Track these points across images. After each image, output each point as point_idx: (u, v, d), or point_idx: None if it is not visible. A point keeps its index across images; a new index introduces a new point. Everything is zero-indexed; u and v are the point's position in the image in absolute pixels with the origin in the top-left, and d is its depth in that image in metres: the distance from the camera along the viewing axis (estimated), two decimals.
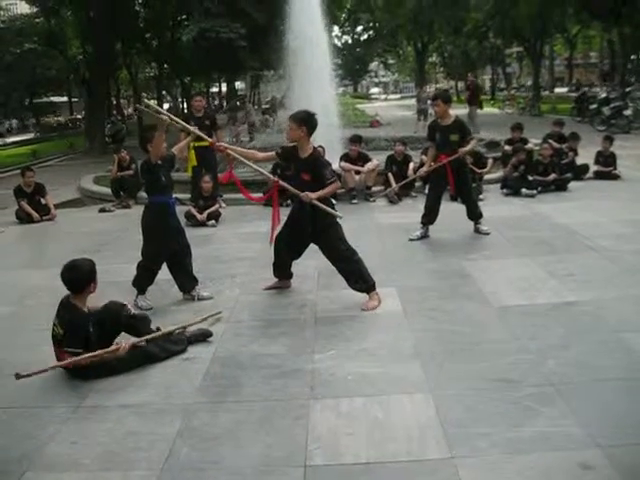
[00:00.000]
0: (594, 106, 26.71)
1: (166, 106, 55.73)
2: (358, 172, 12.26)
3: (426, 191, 9.99)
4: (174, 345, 5.53)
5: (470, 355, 5.22)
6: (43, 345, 5.41)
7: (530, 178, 12.14)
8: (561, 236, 8.88)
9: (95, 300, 5.48)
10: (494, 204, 11.17)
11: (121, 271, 7.64)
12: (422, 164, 10.48)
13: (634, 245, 8.14)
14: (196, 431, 4.29)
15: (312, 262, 7.41)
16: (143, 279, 6.81)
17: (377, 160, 12.64)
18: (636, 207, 10.44)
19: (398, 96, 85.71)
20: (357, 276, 6.53)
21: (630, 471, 3.65)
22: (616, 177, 13.18)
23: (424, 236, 9.13)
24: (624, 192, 11.89)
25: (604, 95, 27.84)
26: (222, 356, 5.48)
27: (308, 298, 6.86)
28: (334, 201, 6.98)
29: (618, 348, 5.17)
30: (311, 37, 16.37)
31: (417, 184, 12.13)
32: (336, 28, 66.48)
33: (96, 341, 5.18)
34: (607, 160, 13.50)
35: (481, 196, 11.35)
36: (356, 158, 12.38)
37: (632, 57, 39.77)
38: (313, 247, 6.77)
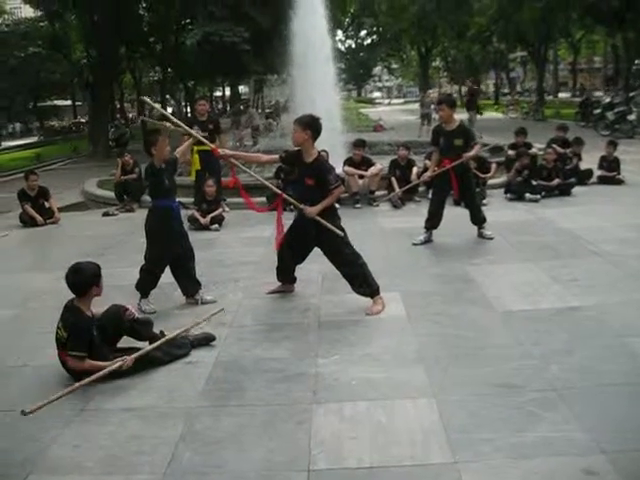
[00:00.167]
0: (598, 111, 26.70)
1: (169, 110, 55.86)
2: (362, 176, 12.27)
3: (429, 196, 9.99)
4: (177, 349, 5.52)
5: (474, 360, 5.21)
6: (47, 348, 5.42)
7: (534, 183, 12.13)
8: (565, 241, 8.87)
9: (98, 304, 5.48)
10: (498, 209, 11.16)
11: (124, 275, 7.65)
12: (426, 169, 10.48)
13: (638, 250, 8.13)
14: (199, 435, 4.29)
15: (316, 266, 7.41)
16: (146, 283, 6.81)
17: (381, 164, 12.64)
18: None
19: (402, 100, 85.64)
20: (361, 280, 6.52)
21: (634, 477, 3.64)
22: (620, 182, 13.18)
23: (427, 241, 9.13)
24: (628, 197, 11.88)
25: (608, 100, 27.84)
26: (225, 360, 5.48)
27: (312, 302, 6.86)
28: (337, 205, 6.97)
29: (622, 353, 5.16)
30: (315, 41, 16.41)
31: (420, 189, 12.12)
32: (340, 32, 66.73)
33: (99, 344, 5.19)
34: (611, 165, 13.49)
35: (485, 201, 11.33)
36: (360, 162, 12.39)
37: (636, 62, 39.72)
38: (317, 251, 6.77)
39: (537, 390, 4.62)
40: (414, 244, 9.03)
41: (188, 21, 33.82)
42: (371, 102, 77.64)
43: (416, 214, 10.58)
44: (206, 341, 5.78)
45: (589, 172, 13.47)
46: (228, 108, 49.48)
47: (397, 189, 11.91)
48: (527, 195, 11.96)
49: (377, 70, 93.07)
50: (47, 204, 12.53)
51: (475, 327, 5.93)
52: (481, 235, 9.20)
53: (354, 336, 5.86)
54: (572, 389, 4.60)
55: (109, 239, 10.52)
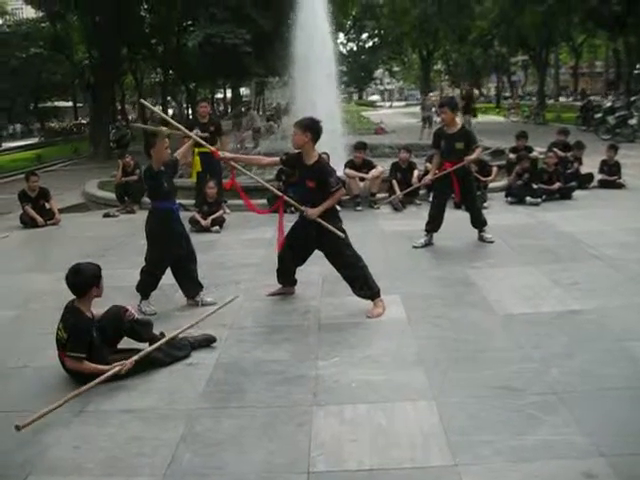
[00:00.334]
0: (599, 115, 26.71)
1: (170, 112, 55.89)
2: (362, 179, 12.27)
3: (430, 199, 9.98)
4: (178, 350, 5.52)
5: (474, 363, 5.21)
6: (48, 349, 5.43)
7: (535, 186, 12.13)
8: (566, 244, 8.87)
9: (99, 305, 5.49)
10: (498, 212, 11.16)
11: (125, 276, 7.65)
12: (427, 172, 10.48)
13: (639, 254, 8.13)
14: (199, 437, 4.29)
15: (316, 268, 7.41)
16: (147, 284, 6.81)
17: (382, 167, 12.64)
18: None
19: (403, 103, 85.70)
20: (362, 283, 6.52)
21: None
22: (621, 186, 13.18)
23: (428, 244, 9.12)
24: (628, 201, 11.89)
25: (609, 104, 27.84)
26: (226, 362, 5.48)
27: (312, 304, 6.86)
28: (339, 208, 6.98)
29: (622, 357, 5.16)
30: (316, 44, 16.41)
31: (421, 191, 12.13)
32: (341, 35, 66.78)
33: (100, 346, 5.19)
34: (612, 169, 13.49)
35: (485, 204, 11.32)
36: (361, 165, 12.39)
37: (637, 66, 39.72)
38: (317, 253, 6.77)
39: (537, 393, 4.62)
40: (415, 247, 9.03)
41: (190, 23, 33.80)
42: (372, 105, 77.66)
43: (417, 217, 10.58)
44: (207, 342, 5.79)
45: (590, 176, 13.47)
46: (229, 110, 49.50)
47: (398, 192, 11.91)
48: (528, 199, 11.96)
49: (378, 73, 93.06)
50: (48, 205, 12.53)
51: (475, 330, 5.93)
52: (482, 238, 9.20)
53: (354, 338, 5.86)
54: (572, 392, 4.60)
55: (110, 240, 10.52)
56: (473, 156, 8.91)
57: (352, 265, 6.53)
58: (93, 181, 16.83)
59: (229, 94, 58.26)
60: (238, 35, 26.08)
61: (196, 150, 10.64)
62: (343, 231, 6.54)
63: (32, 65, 35.84)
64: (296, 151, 6.61)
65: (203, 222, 10.76)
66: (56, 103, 55.82)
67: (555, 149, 13.63)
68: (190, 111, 51.00)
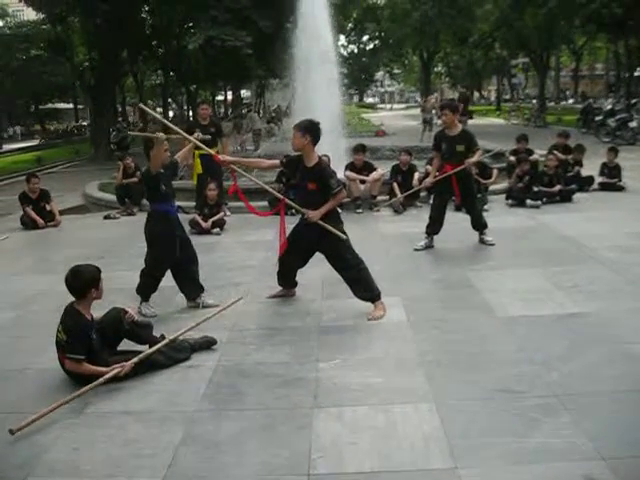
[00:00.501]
0: (599, 118, 26.72)
1: (171, 114, 55.93)
2: (363, 181, 12.27)
3: (431, 201, 9.96)
4: (178, 353, 5.52)
5: (474, 365, 5.20)
6: (48, 351, 5.41)
7: (535, 189, 12.12)
8: (566, 247, 8.87)
9: (99, 307, 5.48)
10: (499, 215, 11.16)
11: (125, 278, 7.65)
12: (427, 174, 10.46)
13: (639, 256, 8.13)
14: (199, 439, 4.28)
15: (317, 271, 7.40)
16: (147, 286, 6.81)
17: (382, 170, 12.65)
18: None
19: (403, 106, 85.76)
20: (363, 285, 6.52)
21: None
22: (621, 189, 13.18)
23: (429, 246, 9.12)
24: (629, 203, 11.88)
25: (609, 107, 27.86)
26: (226, 364, 5.47)
27: (312, 307, 6.85)
28: (340, 210, 6.97)
29: (623, 360, 5.15)
30: (317, 46, 16.43)
31: (422, 194, 12.11)
32: (342, 37, 66.77)
33: (99, 348, 5.18)
34: (612, 172, 13.49)
35: (486, 206, 11.31)
36: (361, 167, 12.39)
37: (638, 69, 39.79)
38: (318, 255, 6.76)
39: (538, 396, 4.61)
40: (415, 249, 9.02)
41: (191, 25, 33.83)
42: (372, 107, 77.72)
43: (417, 219, 10.58)
44: (207, 345, 5.78)
45: (590, 179, 13.48)
46: (230, 112, 49.53)
47: (399, 194, 11.91)
48: (528, 201, 11.96)
49: (379, 75, 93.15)
50: (48, 207, 12.53)
51: (476, 333, 5.92)
52: (482, 241, 9.20)
53: (355, 341, 5.86)
54: (573, 395, 4.59)
55: (110, 242, 10.52)
56: (474, 159, 8.90)
57: (353, 267, 6.52)
58: (93, 183, 16.82)
59: (230, 96, 58.31)
60: (239, 37, 26.11)
61: (196, 152, 10.63)
62: (344, 233, 6.54)
63: (33, 67, 35.86)
64: (296, 154, 6.61)
65: (204, 224, 10.75)
66: (56, 105, 55.87)
67: (556, 152, 13.63)
68: (191, 113, 50.98)
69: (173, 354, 5.47)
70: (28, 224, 12.15)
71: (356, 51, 78.05)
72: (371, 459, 3.95)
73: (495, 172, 13.31)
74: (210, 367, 5.40)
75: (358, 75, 78.84)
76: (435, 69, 70.43)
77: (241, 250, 9.61)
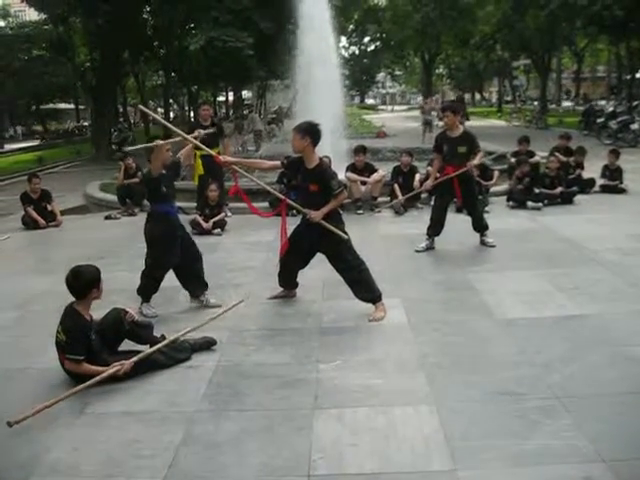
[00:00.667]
0: (601, 120, 26.71)
1: (172, 114, 55.88)
2: (364, 183, 12.26)
3: (432, 202, 9.96)
4: (179, 353, 5.52)
5: (475, 367, 5.20)
6: (50, 350, 5.40)
7: (536, 191, 12.12)
8: (567, 249, 8.86)
9: (99, 307, 5.48)
10: (500, 216, 11.15)
11: (126, 278, 7.66)
12: (428, 176, 10.46)
13: None
14: (199, 439, 4.28)
15: (317, 272, 7.39)
16: (147, 287, 6.81)
17: (383, 171, 12.64)
18: None
19: (405, 107, 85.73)
20: (363, 286, 6.52)
21: None
22: (622, 191, 13.18)
23: (430, 248, 9.11)
24: (630, 206, 11.89)
25: (611, 109, 27.85)
26: (226, 365, 5.47)
27: (313, 308, 6.85)
28: (341, 211, 6.96)
29: (624, 362, 5.15)
30: (318, 47, 16.42)
31: (423, 195, 12.11)
32: (343, 39, 66.80)
33: (99, 349, 5.18)
34: (613, 174, 13.50)
35: (487, 208, 11.30)
36: (362, 169, 12.39)
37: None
38: (319, 257, 6.76)
39: (539, 398, 4.61)
40: (416, 251, 9.02)
41: (192, 26, 33.84)
42: (374, 108, 77.72)
43: (418, 221, 10.58)
44: (207, 345, 5.78)
45: (591, 181, 13.48)
46: (231, 113, 49.53)
47: (400, 196, 11.90)
48: (529, 203, 11.97)
49: (380, 77, 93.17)
50: (49, 207, 12.54)
51: (477, 334, 5.92)
52: (483, 243, 9.20)
53: (355, 342, 5.85)
54: (574, 397, 4.59)
55: (111, 243, 10.52)
56: (475, 161, 8.89)
57: (354, 268, 6.52)
58: (95, 183, 16.83)
59: (231, 97, 58.28)
60: (240, 38, 26.13)
61: (198, 153, 10.63)
62: (346, 234, 6.54)
63: (34, 67, 35.86)
64: (297, 155, 6.60)
65: (204, 225, 10.75)
66: (58, 105, 55.84)
67: (557, 154, 13.63)
68: (192, 114, 50.97)
69: (174, 354, 5.47)
70: (29, 224, 12.16)
71: (357, 52, 78.17)
72: (371, 460, 3.94)
73: (496, 174, 13.33)
74: (210, 367, 5.40)
75: (359, 76, 78.99)
76: (436, 71, 70.46)
77: (242, 251, 9.61)
